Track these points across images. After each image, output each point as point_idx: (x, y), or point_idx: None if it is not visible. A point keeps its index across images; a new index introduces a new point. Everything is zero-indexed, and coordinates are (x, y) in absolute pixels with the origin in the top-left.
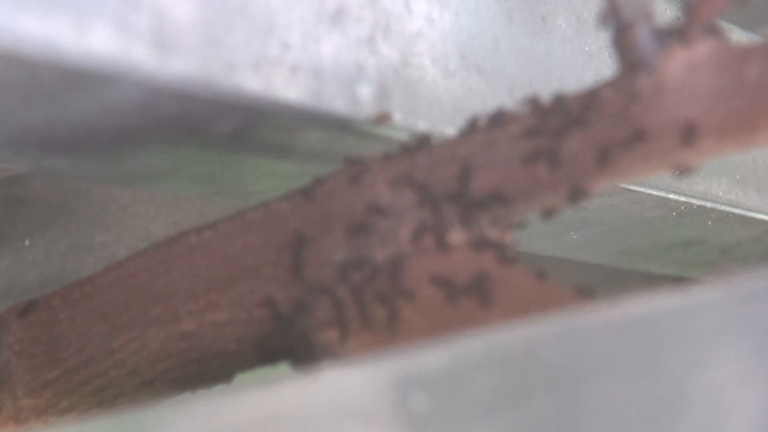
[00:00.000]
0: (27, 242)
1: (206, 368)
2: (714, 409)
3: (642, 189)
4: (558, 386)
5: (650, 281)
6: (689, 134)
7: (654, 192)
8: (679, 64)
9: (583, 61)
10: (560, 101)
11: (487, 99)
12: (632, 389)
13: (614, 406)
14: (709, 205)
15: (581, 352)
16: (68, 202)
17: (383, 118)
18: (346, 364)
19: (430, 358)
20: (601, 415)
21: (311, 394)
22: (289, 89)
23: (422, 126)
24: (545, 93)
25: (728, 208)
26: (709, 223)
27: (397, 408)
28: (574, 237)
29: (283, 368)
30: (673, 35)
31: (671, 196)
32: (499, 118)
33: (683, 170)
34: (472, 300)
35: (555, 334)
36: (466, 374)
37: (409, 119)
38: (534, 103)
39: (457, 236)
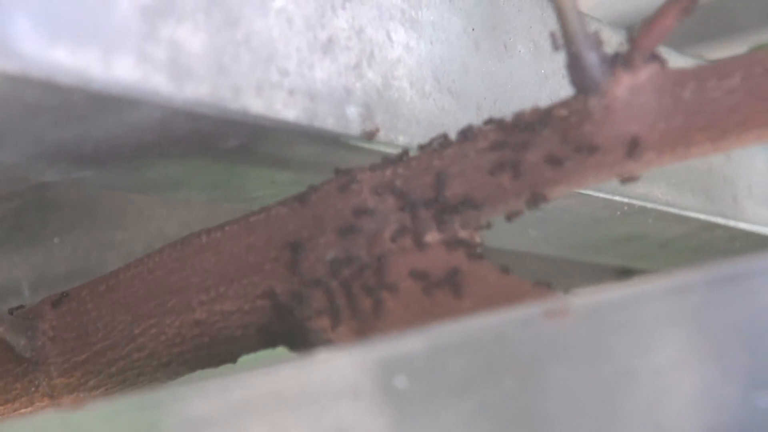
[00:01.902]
0: (56, 240)
1: (215, 351)
2: (657, 389)
3: (591, 192)
4: (522, 368)
5: (598, 271)
6: (634, 148)
7: (602, 195)
8: (625, 87)
9: (540, 83)
10: (521, 119)
11: (457, 116)
12: (586, 371)
13: (571, 386)
14: (649, 205)
15: (542, 337)
16: (92, 205)
17: (371, 134)
18: (338, 348)
19: (410, 343)
20: (560, 393)
21: (308, 374)
22: (287, 110)
23: (402, 140)
24: (508, 111)
25: (666, 208)
26: (650, 221)
27: (382, 386)
28: (532, 234)
29: (282, 351)
30: (619, 61)
31: (617, 198)
32: (468, 134)
33: (628, 179)
34: (446, 291)
35: (519, 322)
36: (442, 357)
37: (391, 135)
38: (498, 121)
39: (432, 236)
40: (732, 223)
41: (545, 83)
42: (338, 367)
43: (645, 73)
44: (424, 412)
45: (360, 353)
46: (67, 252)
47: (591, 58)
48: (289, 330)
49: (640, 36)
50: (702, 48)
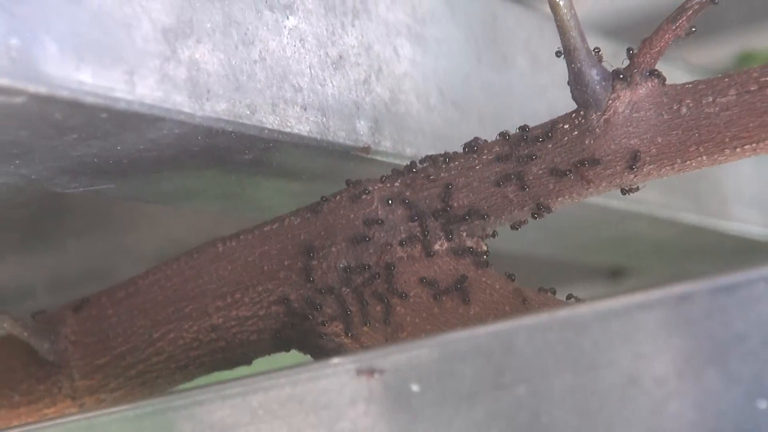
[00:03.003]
0: (70, 244)
1: (231, 354)
2: (661, 395)
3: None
4: (529, 375)
5: (590, 271)
6: (634, 161)
7: (599, 201)
8: (625, 103)
9: (538, 94)
10: (525, 132)
11: (460, 127)
12: (590, 378)
13: (576, 392)
14: (643, 209)
15: (548, 346)
16: (105, 210)
17: (366, 150)
18: (353, 354)
19: (423, 350)
20: (565, 398)
21: (324, 379)
22: (300, 124)
23: (409, 152)
24: (508, 121)
25: (659, 211)
26: (643, 223)
27: (395, 392)
28: (530, 237)
29: (295, 354)
30: (619, 78)
31: (613, 203)
32: (474, 146)
33: (629, 190)
34: (454, 298)
35: (527, 331)
36: (453, 364)
37: (398, 146)
38: (503, 134)
39: (440, 245)
40: (721, 224)
41: (543, 94)
42: (352, 373)
43: (644, 89)
44: (435, 418)
45: (374, 359)
46: (81, 255)
47: (592, 75)
48: (302, 334)
49: (639, 53)
50: (686, 48)
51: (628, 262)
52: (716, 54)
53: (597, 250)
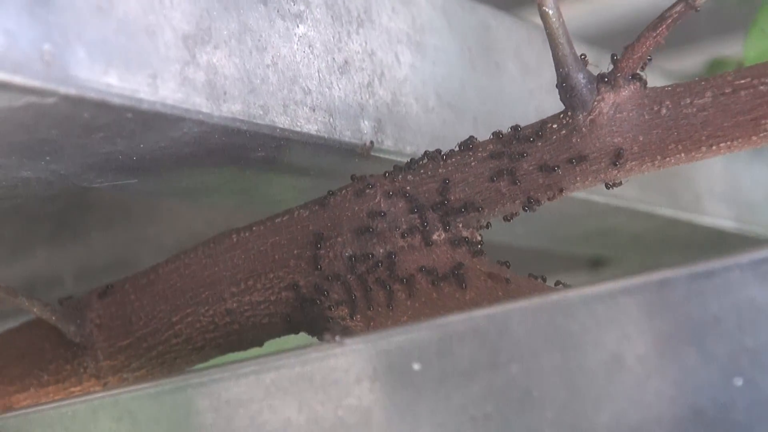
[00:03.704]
0: (96, 235)
1: (244, 336)
2: (643, 373)
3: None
4: (522, 354)
5: (572, 260)
6: (617, 158)
7: (581, 195)
8: (609, 105)
9: (527, 97)
10: (517, 132)
11: (456, 128)
12: (578, 357)
13: (565, 371)
14: (623, 204)
15: (539, 327)
16: (128, 204)
17: (367, 150)
18: (359, 336)
19: (423, 332)
20: (555, 376)
21: (332, 359)
22: (309, 124)
23: (409, 150)
24: (499, 122)
25: (638, 206)
26: (623, 217)
27: (398, 371)
28: (519, 230)
29: (304, 336)
30: (604, 82)
31: (594, 197)
32: (469, 145)
33: (612, 185)
34: (451, 284)
35: (519, 314)
36: (451, 345)
37: (399, 145)
38: (496, 133)
39: (438, 235)
40: (694, 217)
41: (532, 97)
42: (358, 353)
43: (627, 91)
44: (435, 395)
45: (378, 340)
46: (105, 246)
47: (579, 79)
48: (311, 318)
49: (623, 59)
50: (663, 55)
51: (607, 253)
52: (690, 61)
53: (579, 241)
